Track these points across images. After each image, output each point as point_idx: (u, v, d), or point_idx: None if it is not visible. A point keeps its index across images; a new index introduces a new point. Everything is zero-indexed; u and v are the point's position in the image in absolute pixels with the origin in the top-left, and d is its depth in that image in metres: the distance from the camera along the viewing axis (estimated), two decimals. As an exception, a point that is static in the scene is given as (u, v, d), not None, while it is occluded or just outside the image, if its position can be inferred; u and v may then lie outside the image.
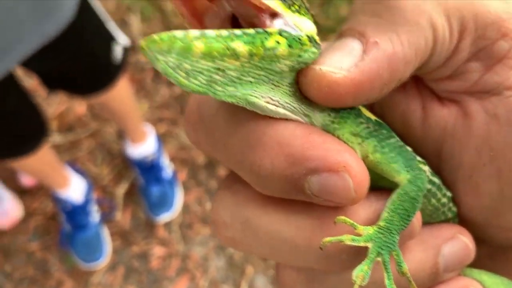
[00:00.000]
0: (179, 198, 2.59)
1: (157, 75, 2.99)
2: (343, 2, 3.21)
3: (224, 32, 0.38)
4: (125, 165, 2.71)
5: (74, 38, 1.71)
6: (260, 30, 0.39)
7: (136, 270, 2.46)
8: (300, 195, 0.41)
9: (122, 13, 3.23)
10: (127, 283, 2.42)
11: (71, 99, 2.81)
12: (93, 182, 2.60)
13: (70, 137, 2.79)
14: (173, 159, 2.71)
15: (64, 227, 2.47)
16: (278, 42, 0.40)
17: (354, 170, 0.40)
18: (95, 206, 2.49)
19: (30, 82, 2.77)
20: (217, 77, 0.39)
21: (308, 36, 0.42)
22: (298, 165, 0.40)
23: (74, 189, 2.37)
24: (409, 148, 0.49)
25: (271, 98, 0.42)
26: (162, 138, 2.70)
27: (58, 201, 2.42)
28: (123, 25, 3.18)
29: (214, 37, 0.37)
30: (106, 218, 2.56)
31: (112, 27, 1.93)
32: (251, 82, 0.41)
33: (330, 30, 3.14)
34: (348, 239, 0.43)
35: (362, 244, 0.44)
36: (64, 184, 2.32)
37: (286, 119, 0.43)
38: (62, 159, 2.70)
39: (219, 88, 0.40)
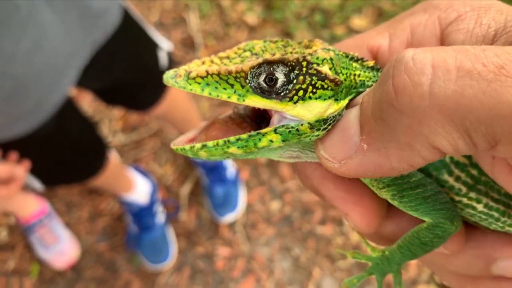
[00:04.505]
0: (243, 198, 2.55)
1: (217, 72, 2.95)
2: (409, -14, 3.02)
3: (220, 142, 0.45)
4: (188, 164, 2.70)
5: (121, 48, 1.67)
6: (253, 133, 0.45)
7: (201, 271, 2.45)
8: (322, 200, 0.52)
9: (180, 11, 3.21)
10: (194, 284, 2.42)
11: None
12: (157, 182, 2.62)
13: (134, 137, 2.82)
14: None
15: (131, 228, 2.50)
16: (271, 141, 0.45)
17: (354, 219, 0.49)
18: (160, 207, 2.50)
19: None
20: (228, 157, 0.46)
21: (309, 123, 0.44)
22: (318, 195, 0.50)
23: (140, 191, 2.38)
24: (445, 195, 0.48)
25: (292, 152, 0.49)
26: (224, 137, 2.66)
27: (124, 204, 2.44)
28: (182, 22, 3.17)
29: (213, 147, 0.45)
30: (171, 218, 2.57)
31: (154, 33, 1.88)
32: (268, 151, 0.48)
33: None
34: (350, 254, 0.56)
35: (363, 260, 0.54)
36: (129, 188, 2.34)
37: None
38: (127, 159, 2.74)
39: (238, 156, 0.46)
